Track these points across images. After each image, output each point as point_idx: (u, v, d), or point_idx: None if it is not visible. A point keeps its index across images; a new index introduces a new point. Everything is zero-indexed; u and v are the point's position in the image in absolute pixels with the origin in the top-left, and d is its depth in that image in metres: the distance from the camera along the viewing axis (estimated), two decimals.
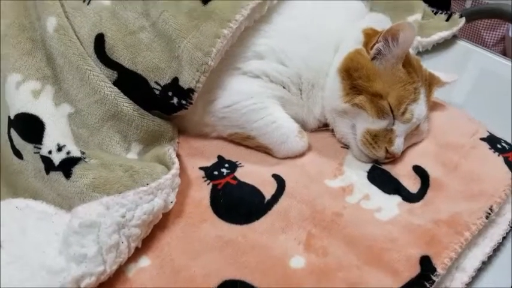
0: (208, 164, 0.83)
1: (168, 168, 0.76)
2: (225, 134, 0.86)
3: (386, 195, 0.78)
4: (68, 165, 0.74)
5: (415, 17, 1.16)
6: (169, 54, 0.78)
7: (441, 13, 1.23)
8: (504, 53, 1.73)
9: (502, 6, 1.25)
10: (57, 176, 0.74)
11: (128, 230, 0.68)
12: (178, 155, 0.83)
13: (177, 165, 0.76)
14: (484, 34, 1.79)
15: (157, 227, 0.72)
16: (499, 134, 0.87)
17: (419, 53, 1.12)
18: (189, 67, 0.76)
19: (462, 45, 1.19)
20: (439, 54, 1.15)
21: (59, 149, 0.75)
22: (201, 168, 0.82)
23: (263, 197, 0.76)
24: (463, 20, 1.17)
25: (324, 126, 0.88)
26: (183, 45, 0.77)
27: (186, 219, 0.74)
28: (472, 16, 1.24)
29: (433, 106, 0.92)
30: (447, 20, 1.19)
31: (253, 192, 0.77)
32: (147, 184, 0.71)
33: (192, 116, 0.84)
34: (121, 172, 0.75)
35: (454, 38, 1.18)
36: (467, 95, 1.05)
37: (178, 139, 0.86)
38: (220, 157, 0.85)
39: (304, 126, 0.88)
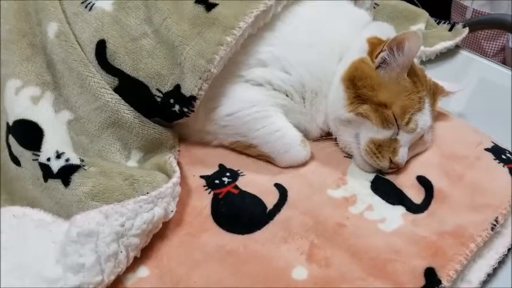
0: (210, 172, 0.81)
1: (169, 177, 0.75)
2: (227, 142, 0.84)
3: (390, 206, 0.77)
4: (66, 173, 0.73)
5: (419, 27, 1.15)
6: (172, 61, 0.77)
7: (444, 23, 1.23)
8: (504, 63, 1.72)
9: (502, 17, 1.27)
10: (56, 183, 0.73)
11: (127, 239, 0.67)
12: (178, 163, 0.81)
13: (178, 173, 0.75)
14: (484, 44, 1.80)
15: (157, 236, 0.71)
16: (500, 142, 0.87)
17: (422, 63, 1.12)
18: (191, 74, 0.75)
19: (464, 55, 1.19)
20: (441, 64, 1.15)
21: (58, 156, 0.74)
22: (202, 176, 0.81)
23: (265, 206, 0.75)
24: (466, 30, 1.17)
25: (327, 135, 0.87)
26: (185, 52, 0.76)
27: (187, 229, 0.73)
28: (472, 26, 1.23)
29: (437, 116, 0.91)
30: (450, 29, 1.20)
31: (255, 201, 0.76)
32: (147, 193, 0.70)
33: (194, 123, 0.83)
34: (121, 180, 0.73)
35: (456, 47, 1.18)
36: (469, 104, 1.04)
37: (179, 147, 0.85)
38: (221, 166, 0.83)
39: (306, 135, 0.86)
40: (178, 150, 0.84)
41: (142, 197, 0.69)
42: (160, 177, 0.74)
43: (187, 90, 0.76)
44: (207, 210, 0.75)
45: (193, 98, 0.77)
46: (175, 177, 0.74)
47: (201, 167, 0.83)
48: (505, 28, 1.31)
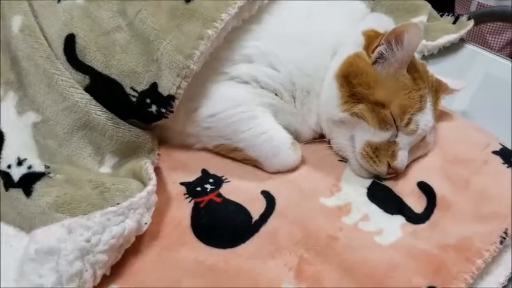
0: (191, 178, 0.76)
1: (144, 185, 0.69)
2: (210, 145, 0.79)
3: (388, 216, 0.72)
4: (28, 182, 0.67)
5: (420, 19, 1.10)
6: (147, 57, 0.72)
7: (447, 15, 1.18)
8: (511, 57, 1.68)
9: (504, 8, 1.25)
10: (17, 193, 0.67)
11: (93, 256, 0.60)
12: (158, 169, 0.77)
13: (153, 181, 0.69)
14: (490, 38, 1.75)
15: (130, 251, 0.65)
16: (508, 144, 0.82)
17: (424, 58, 1.07)
18: (168, 71, 0.70)
19: (470, 49, 1.14)
20: (445, 59, 1.11)
21: (19, 163, 0.68)
22: (182, 183, 0.76)
23: (250, 216, 0.70)
24: (471, 22, 1.13)
25: (320, 138, 0.82)
26: (162, 47, 0.71)
27: (163, 242, 0.68)
28: (475, 19, 1.17)
29: (440, 116, 0.87)
30: (454, 22, 1.15)
31: (239, 211, 0.71)
32: (118, 204, 0.64)
33: (174, 125, 0.78)
34: (90, 189, 0.67)
35: (461, 41, 1.13)
36: (474, 102, 1.00)
37: (158, 150, 0.79)
38: (204, 171, 0.78)
39: (297, 137, 0.82)
40: (158, 154, 0.79)
41: (111, 209, 0.63)
42: (134, 185, 0.68)
43: (164, 89, 0.71)
44: (187, 221, 0.70)
45: (171, 98, 0.71)
46: (151, 186, 0.68)
47: (182, 173, 0.78)
48: (507, 20, 1.29)
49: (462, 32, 1.11)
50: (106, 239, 0.61)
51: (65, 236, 0.60)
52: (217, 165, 0.79)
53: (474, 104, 0.99)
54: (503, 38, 1.74)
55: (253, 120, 0.76)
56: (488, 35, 1.73)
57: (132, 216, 0.64)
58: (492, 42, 1.74)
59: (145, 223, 0.66)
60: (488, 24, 1.65)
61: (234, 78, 0.77)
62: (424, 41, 1.06)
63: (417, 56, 0.86)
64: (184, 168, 0.79)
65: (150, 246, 0.67)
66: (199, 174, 0.77)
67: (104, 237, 0.61)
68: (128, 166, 0.75)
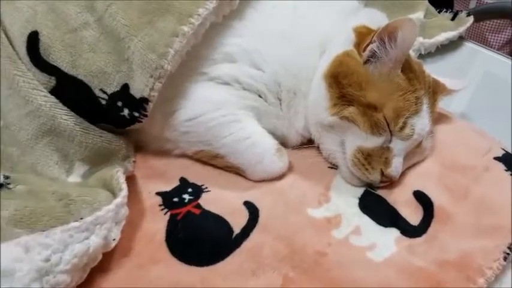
0: (168, 188, 0.72)
1: (115, 196, 0.64)
2: (190, 151, 0.76)
3: (381, 229, 0.69)
4: None
5: (417, 16, 1.07)
6: (118, 56, 0.67)
7: (446, 11, 1.16)
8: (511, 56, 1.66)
9: (503, 4, 1.23)
10: None
11: (53, 277, 0.55)
12: (133, 177, 0.73)
13: (124, 192, 0.64)
14: (489, 37, 1.73)
15: (97, 269, 0.61)
16: (509, 145, 0.81)
17: (421, 56, 1.05)
18: (141, 72, 0.66)
19: (469, 47, 1.12)
20: (443, 58, 1.08)
21: None
22: (158, 193, 0.71)
23: (231, 230, 0.66)
24: (471, 19, 1.11)
25: (308, 143, 0.79)
26: (132, 45, 0.66)
27: (134, 260, 0.63)
28: (477, 16, 1.17)
29: (438, 119, 0.83)
30: (453, 19, 1.13)
31: (220, 224, 0.67)
32: (81, 218, 0.58)
33: (150, 130, 0.74)
34: (53, 201, 0.61)
35: (460, 39, 1.11)
36: (473, 103, 0.98)
37: (134, 157, 0.75)
38: (183, 180, 0.74)
39: (284, 142, 0.79)
40: (134, 161, 0.75)
41: (74, 224, 0.57)
42: (103, 196, 0.63)
43: (136, 90, 0.67)
44: (161, 235, 0.66)
45: (144, 100, 0.67)
46: (120, 197, 0.63)
47: (159, 181, 0.74)
48: (507, 16, 1.28)
49: (461, 29, 1.08)
50: (68, 258, 0.56)
51: (21, 255, 0.54)
52: (197, 173, 0.75)
53: (474, 105, 0.96)
54: (503, 36, 1.71)
55: (235, 124, 0.73)
56: (487, 33, 1.71)
57: (98, 231, 0.59)
58: (492, 40, 1.72)
59: (114, 239, 0.61)
60: (488, 22, 1.63)
61: (214, 78, 0.73)
62: (420, 39, 1.04)
63: (413, 54, 0.84)
64: (161, 176, 0.75)
65: (120, 265, 0.62)
66: (177, 183, 0.73)
67: (65, 256, 0.56)
68: (98, 175, 0.69)
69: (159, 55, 0.65)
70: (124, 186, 0.66)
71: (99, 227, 0.59)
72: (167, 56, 0.65)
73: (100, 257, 0.60)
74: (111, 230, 0.61)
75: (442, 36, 1.06)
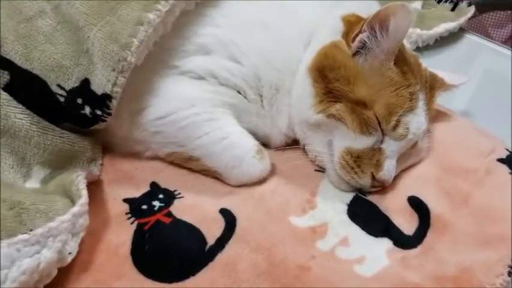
0: (137, 194, 0.68)
1: (74, 204, 0.60)
2: (162, 153, 0.71)
3: (372, 239, 0.65)
4: None
5: (414, 5, 1.06)
6: (76, 48, 0.64)
7: (445, 1, 1.13)
8: None
9: None
10: None
11: None
12: (99, 182, 0.69)
13: (83, 200, 0.59)
14: (492, 32, 1.72)
15: (52, 286, 0.56)
16: None
17: (418, 49, 1.02)
18: (102, 65, 0.62)
19: (470, 39, 1.09)
20: (442, 51, 1.05)
21: None
22: (125, 200, 0.67)
23: (204, 241, 0.62)
24: (472, 8, 1.08)
25: (293, 143, 0.75)
26: (92, 34, 0.62)
27: (95, 275, 0.59)
28: (479, 9, 1.15)
29: (436, 116, 0.81)
30: (453, 9, 1.09)
31: (192, 234, 0.63)
32: (31, 230, 0.53)
33: (117, 130, 0.70)
34: (4, 210, 0.56)
35: (460, 31, 1.08)
36: (475, 100, 0.95)
37: (101, 160, 0.72)
38: (154, 185, 0.69)
39: (266, 143, 0.75)
40: (101, 164, 0.71)
41: (22, 237, 0.52)
42: (60, 205, 0.58)
43: (98, 86, 0.63)
44: (126, 247, 0.61)
45: (107, 97, 0.63)
46: (77, 206, 0.58)
47: (127, 187, 0.69)
48: (510, 8, 1.28)
49: (462, 20, 1.06)
50: (15, 275, 0.51)
51: None
52: (170, 178, 0.71)
53: (475, 102, 0.93)
54: (505, 31, 1.69)
55: (211, 123, 0.69)
56: (490, 28, 1.69)
57: (51, 245, 0.54)
58: (494, 35, 1.69)
59: (70, 253, 0.57)
60: (490, 16, 1.61)
61: (187, 72, 0.69)
62: (418, 30, 1.02)
63: (409, 46, 0.80)
64: (130, 181, 0.70)
65: (78, 281, 0.58)
66: (147, 189, 0.69)
67: (12, 273, 0.51)
68: (58, 180, 0.65)
69: (121, 46, 0.61)
70: (84, 193, 0.61)
71: (52, 240, 0.55)
72: (131, 46, 0.61)
73: (55, 272, 0.56)
74: (66, 242, 0.56)
75: (442, 28, 1.03)
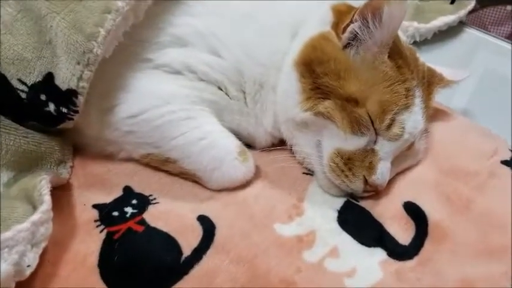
0: (108, 199, 0.64)
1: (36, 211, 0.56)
2: (136, 155, 0.68)
3: (364, 249, 0.62)
4: None
5: None
6: (38, 39, 0.60)
7: None
8: None
9: None
10: None
11: None
12: (68, 186, 0.66)
13: (45, 206, 0.55)
14: (491, 29, 1.78)
15: None
16: None
17: (415, 44, 1.00)
18: (66, 57, 0.59)
19: (471, 33, 1.06)
20: (441, 45, 1.04)
21: None
22: (95, 206, 0.64)
23: (180, 252, 0.59)
24: (473, 1, 1.06)
25: (280, 144, 0.73)
26: (55, 23, 0.59)
27: None
28: (480, 2, 1.12)
29: (434, 115, 0.78)
30: (452, 2, 1.07)
31: (166, 244, 0.59)
32: None
33: (86, 130, 0.67)
34: None
35: (460, 25, 1.05)
36: (476, 97, 0.93)
37: (72, 162, 0.68)
38: (127, 189, 0.66)
39: (251, 143, 0.73)
40: (71, 167, 0.68)
41: None
42: (20, 212, 0.55)
43: (62, 81, 0.59)
44: (93, 258, 0.58)
45: (72, 93, 0.60)
46: (38, 213, 0.54)
47: (98, 191, 0.66)
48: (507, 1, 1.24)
49: (461, 13, 1.03)
50: None
51: None
52: (145, 181, 0.68)
53: (476, 100, 0.92)
54: (505, 29, 1.69)
55: (188, 122, 0.66)
56: (489, 26, 1.73)
57: (7, 256, 0.51)
58: (494, 33, 1.74)
59: (29, 265, 0.53)
60: (490, 13, 1.53)
61: (162, 66, 0.67)
62: (415, 24, 1.00)
63: (405, 39, 0.75)
64: (101, 185, 0.67)
65: None
66: (120, 193, 0.66)
67: None
68: (21, 184, 0.61)
69: (86, 36, 0.58)
70: (46, 198, 0.57)
71: (7, 251, 0.51)
72: (97, 37, 0.58)
73: (12, 286, 0.52)
74: (24, 254, 0.52)
75: (440, 21, 1.01)
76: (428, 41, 1.03)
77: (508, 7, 1.30)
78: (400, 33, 0.68)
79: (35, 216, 0.54)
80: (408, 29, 0.97)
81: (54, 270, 0.56)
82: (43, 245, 0.55)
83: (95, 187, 0.66)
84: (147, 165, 0.69)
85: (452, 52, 1.03)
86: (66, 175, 0.66)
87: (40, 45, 0.60)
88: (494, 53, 1.05)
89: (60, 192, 0.62)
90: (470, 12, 1.07)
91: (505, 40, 1.06)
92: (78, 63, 0.58)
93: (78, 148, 0.71)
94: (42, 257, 0.56)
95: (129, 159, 0.70)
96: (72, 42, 0.58)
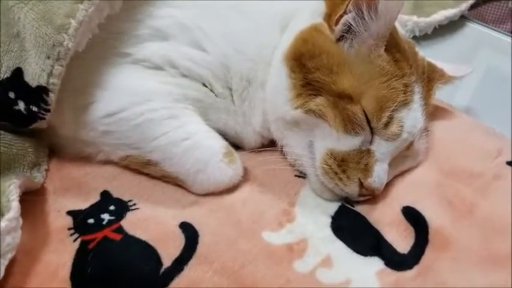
0: (84, 205, 0.61)
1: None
2: (115, 157, 0.65)
3: (360, 258, 0.59)
4: None
5: None
6: (6, 31, 0.57)
7: None
8: None
9: None
10: None
11: None
12: (42, 191, 0.63)
13: (12, 214, 0.52)
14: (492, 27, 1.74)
15: None
16: None
17: (415, 39, 0.98)
18: (35, 52, 0.56)
19: (472, 28, 1.05)
20: (442, 40, 1.02)
21: None
22: (70, 212, 0.60)
23: (159, 262, 0.56)
24: None
25: (270, 145, 0.70)
26: (23, 15, 0.56)
27: None
28: None
29: (435, 113, 0.76)
30: None
31: (145, 254, 0.56)
32: None
33: (61, 129, 0.64)
34: None
35: (461, 18, 1.04)
36: (479, 94, 0.91)
37: (47, 165, 0.65)
38: (105, 194, 0.63)
39: (239, 143, 0.70)
40: (46, 170, 0.65)
41: None
42: None
43: (32, 77, 0.57)
44: (66, 270, 0.55)
45: (43, 90, 0.57)
46: (4, 221, 0.51)
47: (74, 196, 0.63)
48: None
49: (463, 7, 1.01)
50: None
51: None
52: (124, 185, 0.65)
53: (479, 97, 0.89)
54: (506, 26, 1.77)
55: (170, 121, 0.63)
56: (490, 24, 1.77)
57: None
58: None
59: None
60: (491, 11, 1.51)
61: (141, 61, 0.64)
62: (415, 17, 0.98)
63: (403, 32, 0.72)
64: (77, 189, 0.64)
65: None
66: (97, 199, 0.63)
67: None
68: None
69: (56, 28, 0.55)
70: (14, 205, 0.54)
71: None
72: (67, 29, 0.55)
73: None
74: None
75: (441, 15, 1.00)
76: (429, 36, 1.01)
77: (510, 4, 1.29)
78: (397, 25, 0.64)
79: (2, 224, 0.50)
80: (407, 23, 0.95)
81: (24, 282, 0.53)
82: (9, 255, 0.52)
83: (71, 192, 0.64)
84: (127, 168, 0.66)
85: (454, 48, 1.01)
86: (41, 179, 0.63)
87: (7, 39, 0.57)
88: (497, 48, 1.02)
89: (34, 198, 0.60)
90: (472, 7, 1.05)
91: (508, 34, 1.04)
92: (48, 58, 0.56)
93: (54, 150, 0.68)
94: (10, 268, 0.53)
95: (108, 162, 0.66)
96: (41, 35, 0.55)
